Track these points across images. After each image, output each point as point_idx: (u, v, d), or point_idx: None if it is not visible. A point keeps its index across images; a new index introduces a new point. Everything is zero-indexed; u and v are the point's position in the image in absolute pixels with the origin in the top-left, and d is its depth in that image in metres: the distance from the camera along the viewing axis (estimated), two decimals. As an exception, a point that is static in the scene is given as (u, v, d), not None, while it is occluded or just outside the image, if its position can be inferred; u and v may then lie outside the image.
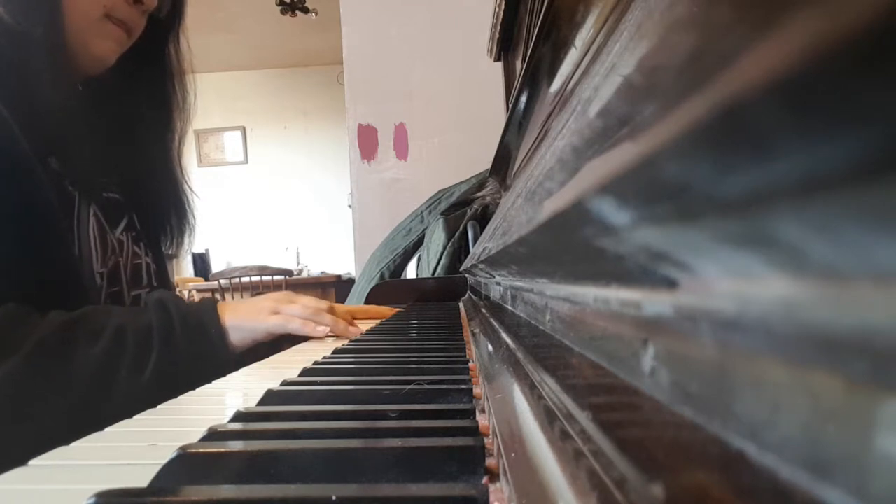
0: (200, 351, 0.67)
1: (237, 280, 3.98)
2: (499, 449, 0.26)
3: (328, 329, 0.76)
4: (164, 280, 0.90)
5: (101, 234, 0.75)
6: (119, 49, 0.77)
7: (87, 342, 0.61)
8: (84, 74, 0.77)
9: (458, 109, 2.06)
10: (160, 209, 0.90)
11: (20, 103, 0.64)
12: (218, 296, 3.46)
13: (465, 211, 1.60)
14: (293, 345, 0.76)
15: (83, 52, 0.73)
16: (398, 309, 1.14)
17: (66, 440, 0.33)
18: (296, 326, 0.74)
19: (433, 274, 1.54)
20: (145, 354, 0.63)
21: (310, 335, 0.75)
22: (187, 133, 0.92)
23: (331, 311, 0.80)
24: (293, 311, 0.76)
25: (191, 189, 0.94)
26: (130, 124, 0.84)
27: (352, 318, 0.84)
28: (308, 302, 0.79)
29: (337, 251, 4.85)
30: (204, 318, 0.70)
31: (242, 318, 0.72)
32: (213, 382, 0.51)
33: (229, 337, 0.70)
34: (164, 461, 0.25)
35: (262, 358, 0.66)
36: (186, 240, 0.94)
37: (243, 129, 5.12)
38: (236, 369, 0.59)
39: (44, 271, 0.65)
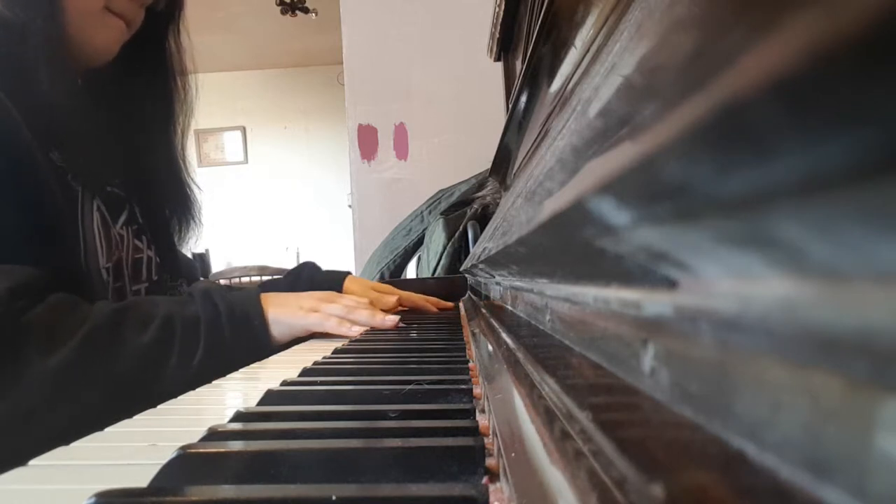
0: (244, 341, 0.69)
1: (237, 280, 3.97)
2: (499, 449, 0.26)
3: (362, 330, 0.77)
4: (173, 273, 0.90)
5: (104, 229, 0.75)
6: (120, 40, 0.77)
7: (136, 331, 0.62)
8: (85, 67, 0.77)
9: (458, 109, 2.05)
10: (164, 202, 0.90)
11: (21, 97, 0.64)
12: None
13: (465, 211, 1.60)
14: (294, 344, 0.76)
15: (84, 44, 0.73)
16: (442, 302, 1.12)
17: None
18: (332, 325, 0.76)
19: (433, 274, 1.54)
20: (193, 344, 0.65)
21: (344, 335, 0.76)
22: (190, 127, 0.92)
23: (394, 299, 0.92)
24: (332, 310, 0.77)
25: (195, 182, 0.94)
26: (132, 117, 0.85)
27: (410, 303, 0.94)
28: (348, 301, 0.80)
29: (337, 251, 4.84)
30: (249, 309, 0.72)
31: (285, 314, 0.74)
32: (213, 382, 0.51)
33: (271, 330, 0.72)
34: (165, 461, 0.25)
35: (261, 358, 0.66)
36: (193, 233, 0.94)
37: (243, 129, 5.11)
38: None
39: (49, 267, 0.65)
